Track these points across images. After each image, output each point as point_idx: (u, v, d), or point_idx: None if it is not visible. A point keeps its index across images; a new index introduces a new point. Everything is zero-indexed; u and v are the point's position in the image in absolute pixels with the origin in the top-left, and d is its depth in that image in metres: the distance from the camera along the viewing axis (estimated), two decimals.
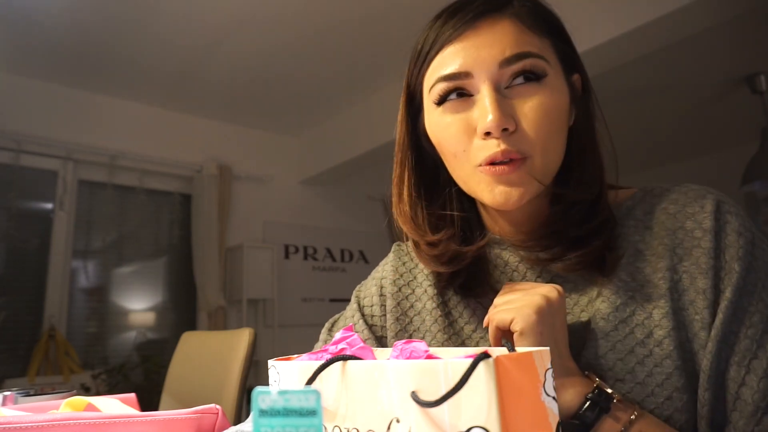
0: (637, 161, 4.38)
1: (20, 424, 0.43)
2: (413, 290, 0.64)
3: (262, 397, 0.25)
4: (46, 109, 2.88)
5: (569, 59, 0.54)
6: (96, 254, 3.02)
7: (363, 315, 0.66)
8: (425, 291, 0.63)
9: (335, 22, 2.49)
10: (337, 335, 0.40)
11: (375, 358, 0.38)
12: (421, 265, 0.65)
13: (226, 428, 0.53)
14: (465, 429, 0.28)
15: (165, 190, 3.31)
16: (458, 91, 0.51)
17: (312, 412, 0.25)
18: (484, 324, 0.49)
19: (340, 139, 3.51)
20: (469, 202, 0.62)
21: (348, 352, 0.38)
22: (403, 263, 0.67)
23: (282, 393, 0.25)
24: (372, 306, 0.66)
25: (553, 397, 0.32)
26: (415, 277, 0.65)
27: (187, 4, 2.30)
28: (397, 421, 0.32)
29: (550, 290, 0.47)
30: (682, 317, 0.48)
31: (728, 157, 3.94)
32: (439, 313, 0.60)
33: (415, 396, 0.30)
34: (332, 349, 0.39)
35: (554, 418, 0.31)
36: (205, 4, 2.31)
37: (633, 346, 0.48)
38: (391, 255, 0.70)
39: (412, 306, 0.63)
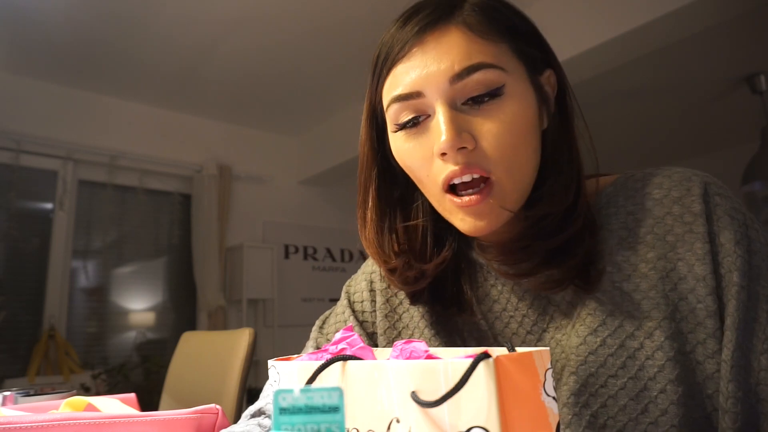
0: (638, 161, 4.37)
1: (20, 424, 0.43)
2: None
3: (283, 395, 0.25)
4: (46, 109, 2.88)
5: (532, 59, 0.50)
6: (96, 254, 3.02)
7: (354, 311, 0.65)
8: None
9: (335, 22, 2.49)
10: (338, 335, 0.40)
11: (375, 358, 0.38)
12: None
13: (226, 428, 0.53)
14: (465, 429, 0.28)
15: (165, 190, 3.31)
16: (414, 116, 0.49)
17: (335, 409, 0.24)
18: None
19: (340, 139, 3.51)
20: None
21: (348, 352, 0.38)
22: None
23: (305, 391, 0.25)
24: (362, 302, 0.65)
25: (553, 397, 0.32)
26: None
27: (187, 3, 2.30)
28: (397, 421, 0.32)
29: None
30: (679, 307, 0.46)
31: (728, 157, 3.93)
32: (426, 307, 0.59)
33: (415, 396, 0.30)
34: (332, 349, 0.39)
35: (554, 418, 0.31)
36: (205, 3, 2.31)
37: (623, 339, 0.46)
38: None
39: (401, 302, 0.62)
